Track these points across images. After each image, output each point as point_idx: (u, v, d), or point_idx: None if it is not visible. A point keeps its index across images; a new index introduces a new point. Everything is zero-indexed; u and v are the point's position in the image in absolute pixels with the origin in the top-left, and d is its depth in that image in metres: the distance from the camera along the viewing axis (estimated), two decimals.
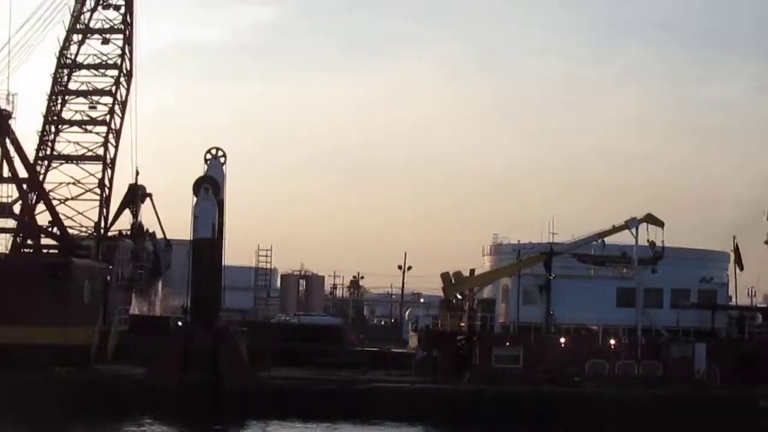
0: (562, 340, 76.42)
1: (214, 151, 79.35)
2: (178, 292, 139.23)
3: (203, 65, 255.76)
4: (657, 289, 78.66)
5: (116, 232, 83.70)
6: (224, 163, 79.46)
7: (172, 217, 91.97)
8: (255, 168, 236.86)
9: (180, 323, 78.62)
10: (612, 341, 76.30)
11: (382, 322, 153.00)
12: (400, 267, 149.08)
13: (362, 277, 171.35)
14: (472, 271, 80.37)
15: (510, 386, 72.48)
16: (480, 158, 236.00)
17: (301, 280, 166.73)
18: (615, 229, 79.65)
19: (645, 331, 77.04)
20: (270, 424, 68.61)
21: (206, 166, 78.65)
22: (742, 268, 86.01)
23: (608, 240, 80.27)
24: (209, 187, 76.18)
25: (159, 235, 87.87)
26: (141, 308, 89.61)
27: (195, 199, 76.14)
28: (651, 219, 79.29)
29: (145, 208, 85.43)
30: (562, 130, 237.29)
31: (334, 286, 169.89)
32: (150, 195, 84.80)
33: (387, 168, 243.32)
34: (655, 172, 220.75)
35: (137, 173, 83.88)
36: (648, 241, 79.26)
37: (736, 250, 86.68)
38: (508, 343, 76.61)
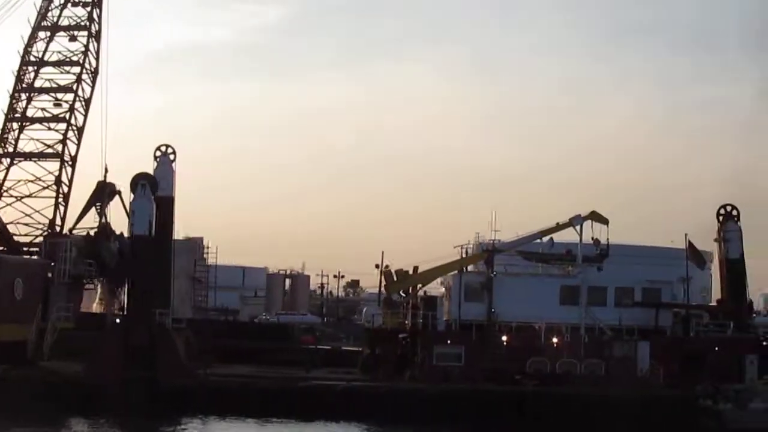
0: (504, 338, 77.46)
1: (163, 149, 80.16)
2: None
3: (204, 65, 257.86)
4: (601, 287, 79.77)
5: (85, 230, 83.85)
6: (173, 160, 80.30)
7: None
8: (256, 167, 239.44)
9: (117, 320, 79.14)
10: (555, 339, 77.42)
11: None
12: (377, 266, 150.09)
13: (342, 276, 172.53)
14: (415, 268, 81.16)
15: (448, 384, 73.32)
16: (477, 159, 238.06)
17: (286, 280, 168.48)
18: (559, 227, 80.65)
19: (589, 329, 78.26)
20: (207, 421, 69.35)
21: (155, 164, 79.63)
22: (702, 267, 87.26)
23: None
24: (146, 184, 76.84)
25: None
26: (110, 306, 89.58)
27: (132, 195, 76.87)
28: (595, 216, 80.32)
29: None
30: (558, 131, 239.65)
31: (321, 285, 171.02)
32: (119, 192, 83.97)
33: (386, 167, 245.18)
34: (651, 172, 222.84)
35: (106, 171, 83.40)
36: (592, 238, 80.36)
37: (691, 247, 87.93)
38: (449, 341, 77.59)
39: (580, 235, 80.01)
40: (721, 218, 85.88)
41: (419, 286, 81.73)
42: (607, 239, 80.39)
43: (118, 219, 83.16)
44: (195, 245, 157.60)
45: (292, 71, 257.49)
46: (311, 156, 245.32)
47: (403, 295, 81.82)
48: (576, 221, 79.91)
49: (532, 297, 78.40)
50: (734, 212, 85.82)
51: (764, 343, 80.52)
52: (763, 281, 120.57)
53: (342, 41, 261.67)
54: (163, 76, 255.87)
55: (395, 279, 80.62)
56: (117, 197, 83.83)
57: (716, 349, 78.09)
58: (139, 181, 76.87)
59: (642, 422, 69.56)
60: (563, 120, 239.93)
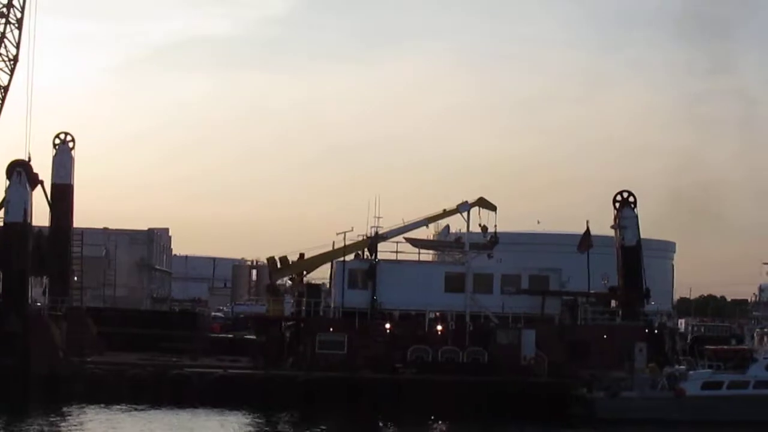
0: (387, 325, 79.48)
1: (62, 136, 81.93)
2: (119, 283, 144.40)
3: (212, 58, 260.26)
4: (487, 274, 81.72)
5: None
6: (73, 148, 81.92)
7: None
8: (266, 163, 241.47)
9: None
10: (439, 327, 79.47)
11: None
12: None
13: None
14: (301, 255, 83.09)
15: (325, 372, 75.20)
16: (487, 148, 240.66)
17: (253, 270, 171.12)
18: (446, 213, 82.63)
19: (474, 317, 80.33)
20: (78, 408, 70.77)
21: (54, 151, 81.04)
22: (583, 251, 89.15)
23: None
24: (22, 171, 78.40)
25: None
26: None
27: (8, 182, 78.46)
28: (483, 203, 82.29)
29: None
30: (570, 121, 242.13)
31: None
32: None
33: (398, 159, 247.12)
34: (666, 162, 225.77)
35: (29, 159, 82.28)
36: (480, 225, 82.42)
37: (586, 233, 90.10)
38: (331, 329, 79.60)
39: (468, 221, 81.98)
40: (617, 205, 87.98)
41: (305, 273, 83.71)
42: (495, 226, 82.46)
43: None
44: (153, 236, 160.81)
45: (303, 63, 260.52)
46: (321, 149, 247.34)
47: (289, 282, 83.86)
48: (463, 208, 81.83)
49: (416, 284, 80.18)
50: (631, 199, 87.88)
51: (654, 331, 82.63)
52: None
53: (343, 33, 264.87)
54: (172, 69, 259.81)
55: (279, 266, 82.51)
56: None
57: (604, 337, 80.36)
58: (15, 169, 78.43)
59: (517, 409, 71.90)
60: (577, 112, 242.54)
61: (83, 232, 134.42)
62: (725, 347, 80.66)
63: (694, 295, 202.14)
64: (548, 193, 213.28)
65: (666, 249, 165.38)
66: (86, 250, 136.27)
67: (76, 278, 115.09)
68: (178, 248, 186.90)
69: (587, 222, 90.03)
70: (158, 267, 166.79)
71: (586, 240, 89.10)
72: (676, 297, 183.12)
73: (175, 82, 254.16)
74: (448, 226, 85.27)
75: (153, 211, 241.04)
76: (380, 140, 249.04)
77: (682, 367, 74.95)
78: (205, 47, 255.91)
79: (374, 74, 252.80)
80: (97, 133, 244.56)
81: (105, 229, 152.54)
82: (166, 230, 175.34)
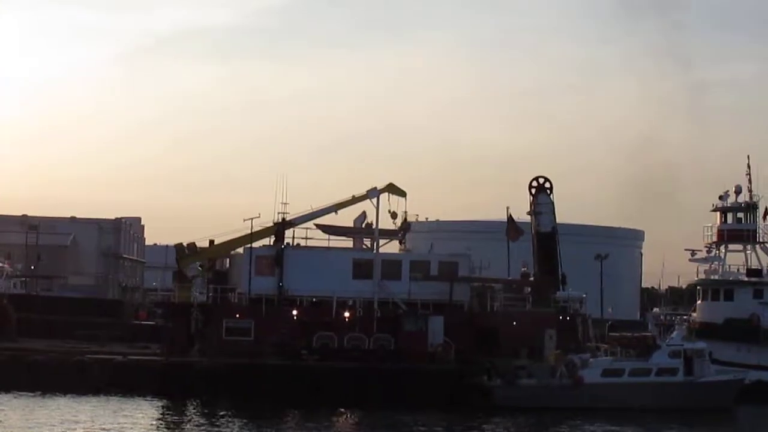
0: (294, 312, 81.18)
1: None
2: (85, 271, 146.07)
3: (212, 48, 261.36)
4: (395, 260, 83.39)
5: None
6: None
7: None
8: (269, 152, 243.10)
9: None
10: (346, 314, 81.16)
11: None
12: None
13: None
14: (211, 242, 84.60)
15: (232, 358, 76.81)
16: (488, 139, 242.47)
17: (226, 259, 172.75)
18: (355, 200, 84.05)
19: (383, 303, 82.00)
20: None
21: None
22: (513, 239, 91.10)
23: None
24: None
25: None
26: None
27: None
28: (392, 189, 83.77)
29: None
30: (570, 111, 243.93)
31: None
32: None
33: (397, 148, 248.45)
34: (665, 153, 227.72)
35: None
36: (389, 211, 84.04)
37: (510, 220, 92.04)
38: (238, 315, 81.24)
39: (377, 208, 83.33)
40: (533, 191, 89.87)
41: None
42: (405, 212, 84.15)
43: None
44: (120, 225, 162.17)
45: (305, 52, 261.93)
46: (324, 139, 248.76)
47: (200, 268, 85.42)
48: (372, 194, 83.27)
49: (324, 271, 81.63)
50: (546, 185, 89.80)
51: (567, 318, 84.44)
52: None
53: (344, 24, 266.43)
54: (172, 59, 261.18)
55: (186, 253, 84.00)
56: None
57: (514, 323, 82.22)
58: None
59: (419, 397, 73.65)
60: (576, 102, 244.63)
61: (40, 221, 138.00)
62: (628, 334, 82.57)
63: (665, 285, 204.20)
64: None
65: (634, 237, 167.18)
66: (51, 239, 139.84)
67: (4, 265, 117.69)
68: (171, 238, 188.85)
69: (508, 209, 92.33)
70: (127, 256, 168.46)
71: (512, 228, 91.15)
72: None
73: (178, 73, 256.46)
74: (364, 213, 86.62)
75: (155, 200, 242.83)
76: (381, 130, 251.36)
77: (586, 354, 76.92)
78: (207, 38, 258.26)
79: (373, 64, 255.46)
80: (100, 123, 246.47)
81: (72, 218, 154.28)
82: (138, 219, 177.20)
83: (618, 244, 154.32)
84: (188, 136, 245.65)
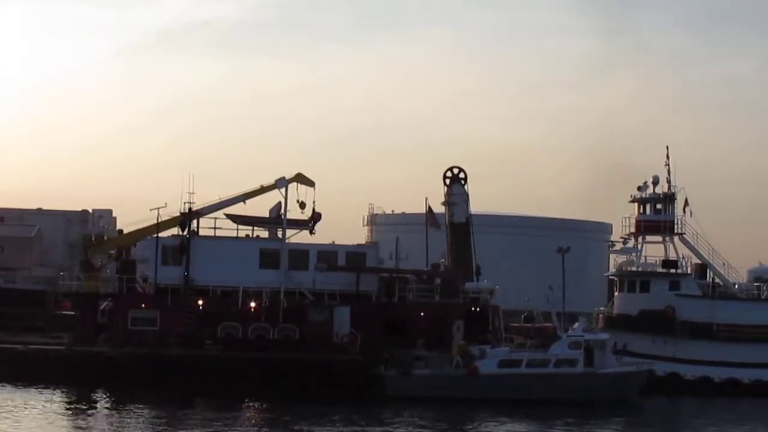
0: (200, 302, 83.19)
1: None
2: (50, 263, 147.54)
3: (214, 41, 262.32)
4: (303, 250, 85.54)
5: None
6: None
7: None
8: (269, 148, 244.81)
9: None
10: (252, 304, 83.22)
11: None
12: None
13: None
14: (120, 232, 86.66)
15: (137, 348, 78.88)
16: (488, 133, 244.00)
17: None
18: (263, 189, 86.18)
19: (290, 294, 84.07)
20: None
21: None
22: (437, 228, 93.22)
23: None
24: None
25: None
26: None
27: None
28: (301, 179, 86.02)
29: None
30: (571, 107, 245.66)
31: None
32: None
33: (398, 145, 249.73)
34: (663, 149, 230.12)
35: None
36: (297, 201, 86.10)
37: (429, 211, 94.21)
38: (144, 305, 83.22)
39: (285, 197, 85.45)
40: (448, 181, 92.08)
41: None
42: (314, 202, 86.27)
43: None
44: (88, 216, 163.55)
45: (306, 47, 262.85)
46: (324, 135, 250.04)
47: (108, 258, 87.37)
48: (280, 183, 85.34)
49: (230, 261, 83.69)
50: (461, 175, 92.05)
51: (476, 309, 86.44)
52: None
53: (345, 16, 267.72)
54: (173, 53, 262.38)
55: (93, 242, 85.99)
56: None
57: (422, 314, 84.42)
58: None
59: (318, 387, 75.75)
60: (577, 97, 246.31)
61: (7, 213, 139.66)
62: (528, 325, 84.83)
63: None
64: (552, 178, 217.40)
65: (602, 230, 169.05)
66: (15, 231, 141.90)
67: None
68: None
69: (426, 199, 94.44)
70: None
71: (430, 218, 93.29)
72: None
73: (179, 67, 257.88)
74: (279, 203, 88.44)
75: (155, 195, 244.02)
76: (381, 125, 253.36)
77: (486, 345, 79.06)
78: (209, 31, 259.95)
79: (374, 58, 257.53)
80: (101, 118, 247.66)
81: (39, 209, 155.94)
82: (109, 211, 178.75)
83: (585, 237, 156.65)
84: (188, 131, 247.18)
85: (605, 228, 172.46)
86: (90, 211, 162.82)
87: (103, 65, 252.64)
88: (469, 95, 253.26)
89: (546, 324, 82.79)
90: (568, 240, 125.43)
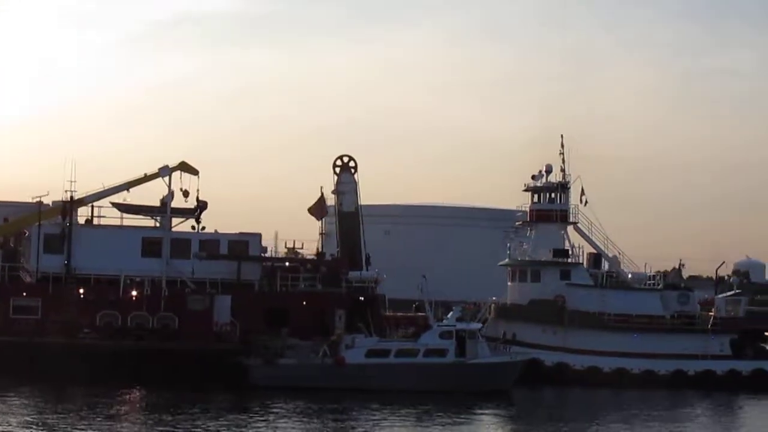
0: (81, 290, 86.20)
1: None
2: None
3: (210, 34, 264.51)
4: (184, 239, 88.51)
5: None
6: None
7: None
8: (263, 140, 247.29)
9: None
10: (133, 292, 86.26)
11: None
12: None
13: None
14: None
15: (18, 337, 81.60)
16: (484, 127, 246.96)
17: None
18: (147, 178, 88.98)
19: (172, 282, 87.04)
20: None
21: None
22: (318, 218, 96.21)
23: None
24: None
25: None
26: None
27: None
28: (185, 167, 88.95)
29: None
30: (566, 99, 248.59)
31: None
32: None
33: (391, 138, 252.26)
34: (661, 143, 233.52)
35: None
36: (181, 189, 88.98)
37: (320, 200, 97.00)
38: (25, 294, 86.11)
39: (169, 185, 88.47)
40: (337, 170, 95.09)
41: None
42: (198, 191, 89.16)
43: None
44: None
45: (299, 39, 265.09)
46: (316, 128, 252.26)
47: None
48: (164, 172, 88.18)
49: (112, 249, 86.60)
50: (351, 164, 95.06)
51: (361, 299, 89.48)
52: None
53: (348, 9, 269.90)
54: (169, 46, 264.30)
55: None
56: None
57: (304, 303, 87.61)
58: None
59: (199, 376, 78.76)
60: (572, 89, 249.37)
61: None
62: (401, 314, 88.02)
63: None
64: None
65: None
66: None
67: None
68: None
69: (321, 188, 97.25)
70: None
71: (318, 206, 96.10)
72: None
73: (174, 59, 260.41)
74: (172, 192, 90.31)
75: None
76: (372, 115, 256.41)
77: (359, 334, 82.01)
78: (203, 24, 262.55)
79: (366, 51, 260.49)
80: (94, 109, 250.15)
81: None
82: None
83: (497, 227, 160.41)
84: (179, 122, 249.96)
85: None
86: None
87: (97, 57, 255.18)
88: (461, 87, 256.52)
89: (419, 314, 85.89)
90: (486, 229, 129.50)
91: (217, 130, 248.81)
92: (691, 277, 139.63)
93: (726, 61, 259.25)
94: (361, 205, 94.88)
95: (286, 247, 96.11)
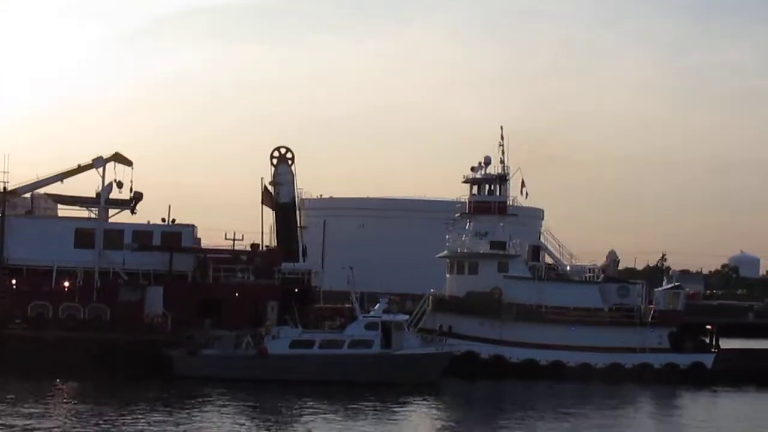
0: (13, 281, 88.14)
1: None
2: None
3: (211, 28, 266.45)
4: (118, 230, 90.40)
5: None
6: None
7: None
8: (260, 133, 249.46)
9: None
10: (66, 283, 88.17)
11: None
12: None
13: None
14: None
15: None
16: (484, 122, 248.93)
17: None
18: (81, 168, 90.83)
19: (105, 273, 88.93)
20: None
21: None
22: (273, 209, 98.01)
23: None
24: None
25: None
26: None
27: None
28: (119, 158, 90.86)
29: None
30: (565, 94, 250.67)
31: None
32: None
33: (391, 132, 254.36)
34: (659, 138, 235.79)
35: None
36: (115, 180, 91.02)
37: (264, 191, 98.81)
38: None
39: (103, 176, 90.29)
40: (274, 161, 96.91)
41: None
42: (131, 181, 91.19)
43: None
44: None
45: (299, 35, 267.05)
46: (313, 121, 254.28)
47: None
48: (98, 163, 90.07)
49: (45, 240, 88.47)
50: (288, 155, 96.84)
51: (294, 290, 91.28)
52: None
53: (350, 5, 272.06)
54: (171, 39, 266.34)
55: None
56: None
57: (236, 295, 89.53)
58: None
59: (129, 367, 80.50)
60: (571, 84, 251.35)
61: None
62: (327, 305, 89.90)
63: None
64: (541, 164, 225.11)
65: (533, 216, 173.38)
66: None
67: None
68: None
69: (262, 180, 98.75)
70: None
71: (265, 198, 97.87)
72: None
73: (174, 53, 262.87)
74: (111, 183, 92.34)
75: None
76: (372, 112, 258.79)
77: (286, 326, 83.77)
78: (204, 18, 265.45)
79: (365, 47, 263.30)
80: (94, 103, 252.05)
81: None
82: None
83: (516, 222, 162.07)
84: (180, 116, 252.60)
85: (537, 213, 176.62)
86: None
87: (99, 50, 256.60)
88: (463, 82, 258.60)
89: (345, 305, 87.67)
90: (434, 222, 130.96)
91: (217, 129, 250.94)
92: (683, 272, 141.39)
93: (724, 57, 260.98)
94: (299, 198, 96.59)
95: (226, 238, 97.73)
